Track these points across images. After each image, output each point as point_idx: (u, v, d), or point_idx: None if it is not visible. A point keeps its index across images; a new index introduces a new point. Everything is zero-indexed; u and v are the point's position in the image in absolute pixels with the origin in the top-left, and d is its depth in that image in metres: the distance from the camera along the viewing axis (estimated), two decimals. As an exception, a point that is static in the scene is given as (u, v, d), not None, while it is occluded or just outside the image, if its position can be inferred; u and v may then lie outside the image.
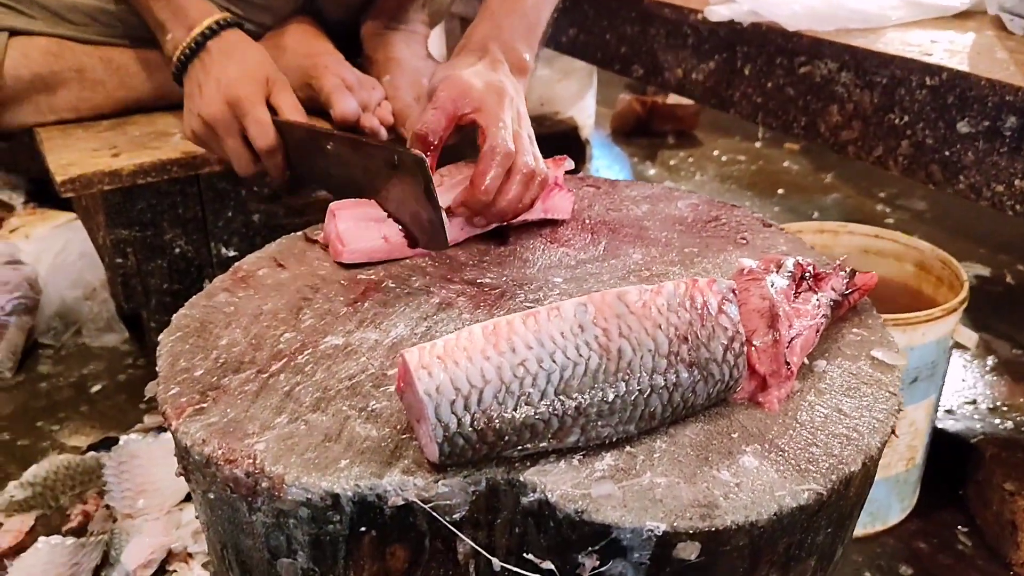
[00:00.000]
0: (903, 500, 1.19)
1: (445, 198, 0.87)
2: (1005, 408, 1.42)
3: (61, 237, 1.67)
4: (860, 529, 1.17)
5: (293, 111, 1.09)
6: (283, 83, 1.11)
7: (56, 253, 1.65)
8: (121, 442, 1.21)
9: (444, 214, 0.82)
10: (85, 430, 1.33)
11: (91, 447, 1.25)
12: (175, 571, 1.02)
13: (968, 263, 1.87)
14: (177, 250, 1.24)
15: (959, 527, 1.19)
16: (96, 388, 1.43)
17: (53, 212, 1.77)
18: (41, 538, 1.09)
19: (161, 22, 1.13)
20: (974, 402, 1.44)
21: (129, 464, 1.15)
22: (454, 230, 0.88)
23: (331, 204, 0.85)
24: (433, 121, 0.88)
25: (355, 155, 0.92)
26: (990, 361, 1.55)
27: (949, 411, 1.42)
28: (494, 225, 0.90)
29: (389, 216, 0.87)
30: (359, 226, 0.83)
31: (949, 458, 1.26)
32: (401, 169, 0.84)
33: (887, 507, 1.17)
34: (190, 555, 1.03)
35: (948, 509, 1.22)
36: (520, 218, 0.90)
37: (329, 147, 0.96)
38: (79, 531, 1.12)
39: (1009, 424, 1.38)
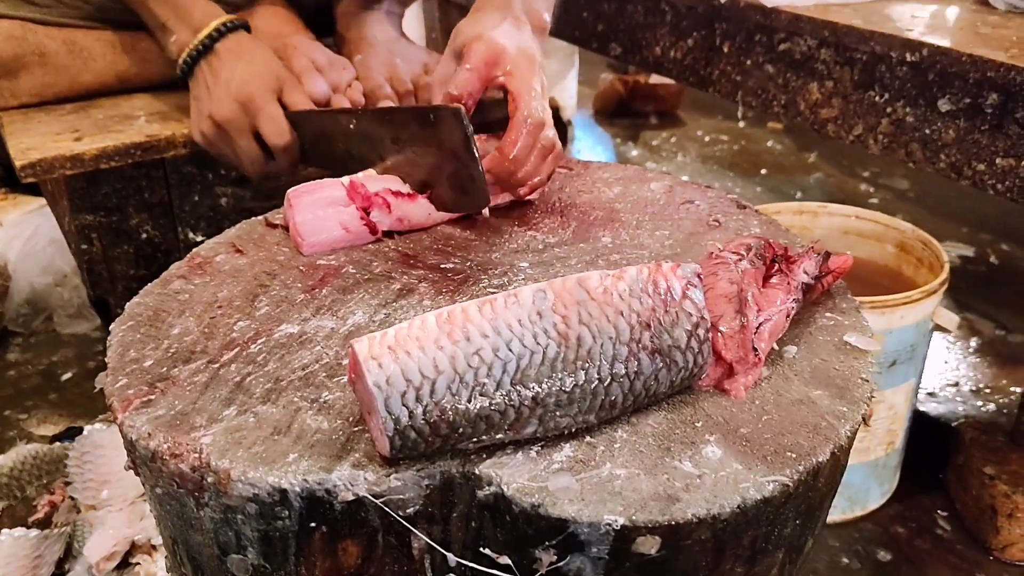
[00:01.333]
0: (883, 484, 1.17)
1: (386, 182, 0.85)
2: (988, 390, 1.41)
3: (31, 223, 1.64)
4: (839, 514, 1.15)
5: (304, 106, 1.06)
6: (293, 81, 1.08)
7: (26, 239, 1.62)
8: (85, 432, 1.18)
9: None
10: (53, 419, 1.30)
11: (56, 437, 1.23)
12: (138, 563, 1.00)
13: (951, 242, 1.85)
14: (144, 235, 1.21)
15: (939, 511, 1.18)
16: (66, 376, 1.41)
17: (25, 197, 1.74)
18: (4, 531, 1.06)
19: (162, 22, 1.09)
20: (956, 384, 1.43)
21: (92, 454, 1.13)
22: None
23: (288, 191, 0.82)
24: (467, 82, 0.86)
25: (382, 127, 0.88)
26: (973, 342, 1.54)
27: (931, 394, 1.40)
28: (503, 200, 0.89)
29: (423, 187, 0.85)
30: (317, 216, 0.80)
31: (930, 441, 1.25)
32: (437, 125, 0.81)
33: (866, 492, 1.16)
34: (154, 547, 1.01)
35: (928, 493, 1.21)
36: (492, 202, 0.88)
37: (352, 126, 0.93)
38: (45, 522, 1.10)
39: (991, 406, 1.37)
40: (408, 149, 0.86)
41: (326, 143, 1.00)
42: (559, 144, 0.89)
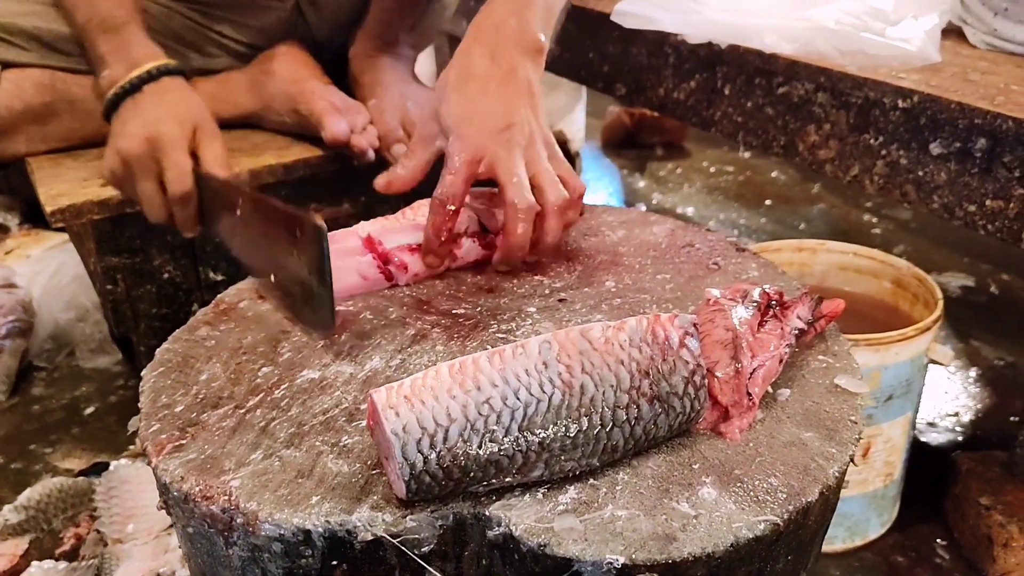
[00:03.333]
0: (882, 515, 1.20)
1: (402, 236, 0.88)
2: (986, 420, 1.44)
3: (55, 259, 1.69)
4: (840, 544, 1.18)
5: (216, 164, 1.04)
6: (213, 133, 1.07)
7: (50, 275, 1.67)
8: (111, 467, 1.23)
9: (333, 297, 0.77)
10: (77, 453, 1.35)
11: (83, 472, 1.27)
12: (164, 595, 1.05)
13: (951, 273, 1.89)
14: (166, 275, 1.26)
15: (937, 540, 1.21)
16: (89, 410, 1.45)
17: (47, 233, 1.79)
18: (35, 563, 1.10)
19: (102, 55, 1.11)
20: (956, 414, 1.46)
21: (119, 489, 1.17)
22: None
23: None
24: (451, 187, 0.87)
25: (258, 216, 0.87)
26: (972, 372, 1.57)
27: (931, 424, 1.44)
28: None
29: (279, 287, 0.83)
30: (336, 267, 0.83)
31: (929, 472, 1.28)
32: (301, 233, 0.78)
33: (866, 522, 1.19)
34: (178, 579, 1.06)
35: (927, 523, 1.24)
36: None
37: (239, 207, 0.90)
38: (72, 554, 1.14)
39: (989, 436, 1.40)
40: (276, 247, 0.83)
41: (220, 212, 0.97)
42: (574, 186, 0.91)
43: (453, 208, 0.87)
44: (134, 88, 1.06)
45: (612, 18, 1.39)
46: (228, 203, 0.93)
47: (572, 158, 2.41)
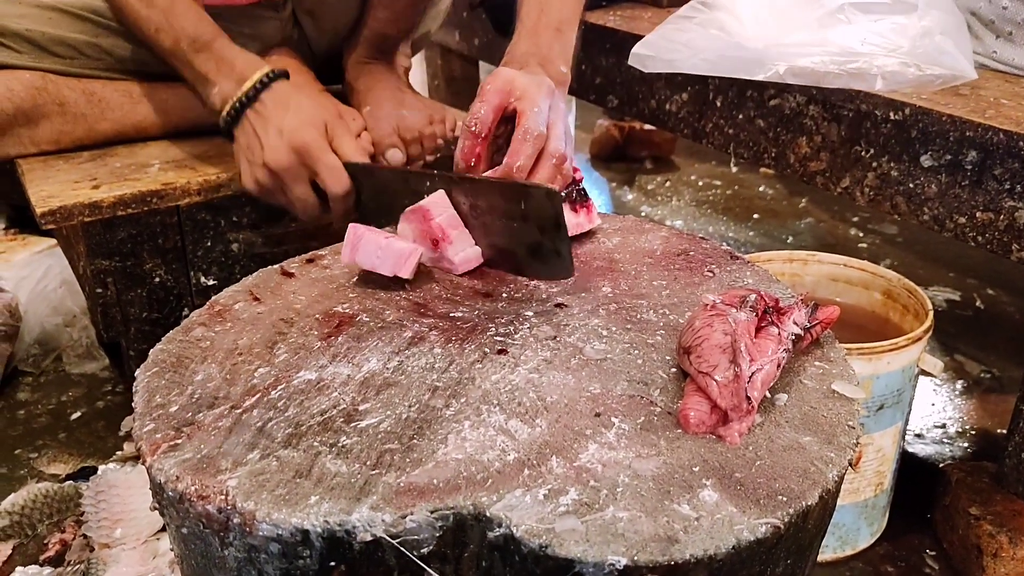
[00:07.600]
0: (872, 525, 1.21)
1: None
2: (973, 432, 1.45)
3: (42, 264, 1.68)
4: (830, 554, 1.19)
5: (356, 154, 1.11)
6: (343, 128, 1.12)
7: (37, 280, 1.66)
8: (99, 471, 1.21)
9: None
10: (63, 458, 1.33)
11: (70, 476, 1.25)
12: (152, 601, 1.03)
13: (938, 287, 1.90)
14: (157, 279, 1.25)
15: (927, 551, 1.21)
16: (75, 416, 1.44)
17: (34, 238, 1.78)
18: (19, 568, 1.09)
19: (204, 74, 1.13)
20: (943, 426, 1.47)
21: (107, 494, 1.16)
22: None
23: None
24: (481, 114, 0.92)
25: (459, 195, 0.91)
26: (959, 385, 1.58)
27: (919, 435, 1.44)
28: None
29: (494, 250, 0.91)
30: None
31: (919, 482, 1.28)
32: (527, 200, 0.86)
33: (856, 531, 1.19)
34: (167, 585, 1.04)
35: (917, 533, 1.24)
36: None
37: (427, 186, 0.94)
38: (57, 560, 1.13)
39: (976, 448, 1.41)
40: (487, 216, 0.89)
41: (389, 198, 1.02)
42: (567, 154, 0.95)
43: (482, 133, 0.92)
44: (251, 99, 1.10)
45: (630, 62, 1.36)
46: (405, 189, 0.96)
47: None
